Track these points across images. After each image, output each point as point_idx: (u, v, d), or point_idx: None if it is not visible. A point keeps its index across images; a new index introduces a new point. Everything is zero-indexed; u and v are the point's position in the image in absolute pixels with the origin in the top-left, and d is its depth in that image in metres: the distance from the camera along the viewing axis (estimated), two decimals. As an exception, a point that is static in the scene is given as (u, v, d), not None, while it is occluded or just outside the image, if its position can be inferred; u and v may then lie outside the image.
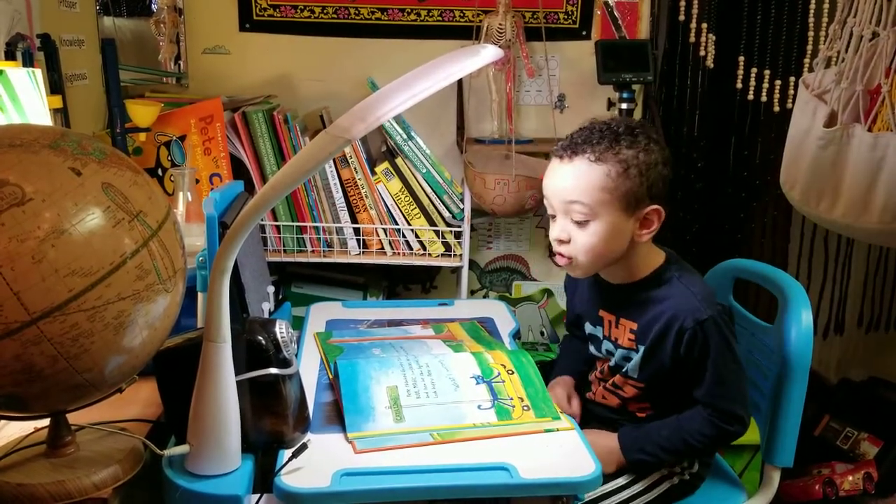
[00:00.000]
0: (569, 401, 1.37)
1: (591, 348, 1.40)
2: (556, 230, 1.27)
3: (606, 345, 1.35)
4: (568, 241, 1.26)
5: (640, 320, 1.28)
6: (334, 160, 1.97)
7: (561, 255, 1.28)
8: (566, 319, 1.55)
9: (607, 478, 1.28)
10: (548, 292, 2.39)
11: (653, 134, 1.27)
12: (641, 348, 1.28)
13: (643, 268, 1.30)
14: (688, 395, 1.27)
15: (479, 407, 1.11)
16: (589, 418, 1.40)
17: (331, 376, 1.22)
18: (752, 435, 1.95)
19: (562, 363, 1.49)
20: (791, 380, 1.31)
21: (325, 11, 2.17)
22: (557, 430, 1.08)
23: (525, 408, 1.11)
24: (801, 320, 1.31)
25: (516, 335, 1.45)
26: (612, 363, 1.34)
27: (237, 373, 0.94)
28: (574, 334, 1.52)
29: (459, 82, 2.15)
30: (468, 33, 2.16)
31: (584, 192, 1.22)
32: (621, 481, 1.29)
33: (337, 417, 1.10)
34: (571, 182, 1.24)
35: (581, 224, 1.24)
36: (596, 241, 1.24)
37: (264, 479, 1.00)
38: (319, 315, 1.53)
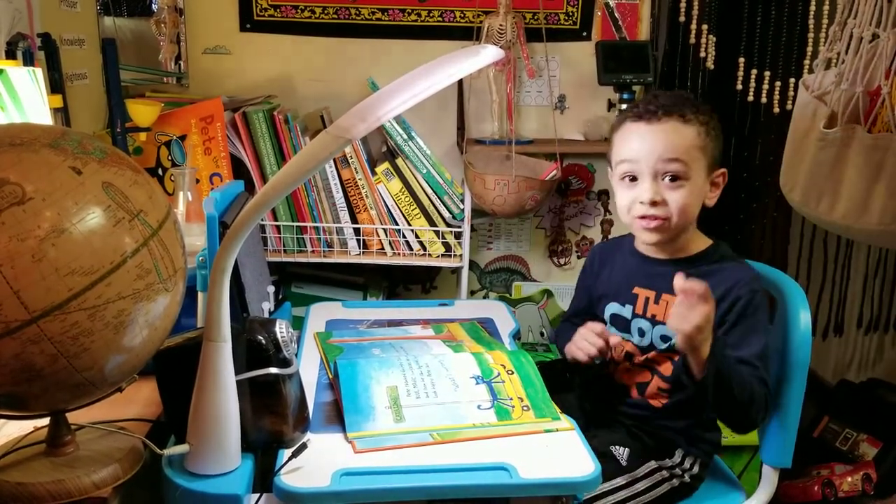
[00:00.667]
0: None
1: (612, 329, 1.40)
2: (648, 192, 1.28)
3: (638, 323, 1.35)
4: (663, 203, 1.28)
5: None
6: (335, 160, 1.97)
7: (654, 216, 1.29)
8: (571, 308, 1.55)
9: (605, 477, 1.28)
10: (548, 293, 2.39)
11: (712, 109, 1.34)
12: None
13: (693, 245, 1.35)
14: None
15: (478, 407, 1.11)
16: (594, 415, 1.40)
17: (331, 376, 1.22)
18: (750, 436, 1.95)
19: (565, 337, 1.45)
20: (789, 381, 1.31)
21: (325, 12, 2.17)
22: (557, 430, 1.08)
23: (525, 408, 1.11)
24: (800, 321, 1.31)
25: (516, 336, 1.45)
26: (643, 344, 1.34)
27: (237, 372, 0.94)
28: (573, 323, 1.51)
29: (460, 83, 2.15)
30: (469, 34, 2.17)
31: (682, 151, 1.27)
32: (620, 482, 1.28)
33: (337, 417, 1.10)
34: (668, 141, 1.27)
35: (675, 184, 1.27)
36: (689, 201, 1.28)
37: (264, 478, 1.00)
38: (319, 315, 1.53)
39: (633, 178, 1.30)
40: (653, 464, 1.32)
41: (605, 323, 1.41)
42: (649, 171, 1.28)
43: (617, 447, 1.31)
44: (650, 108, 1.29)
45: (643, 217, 1.29)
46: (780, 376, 1.32)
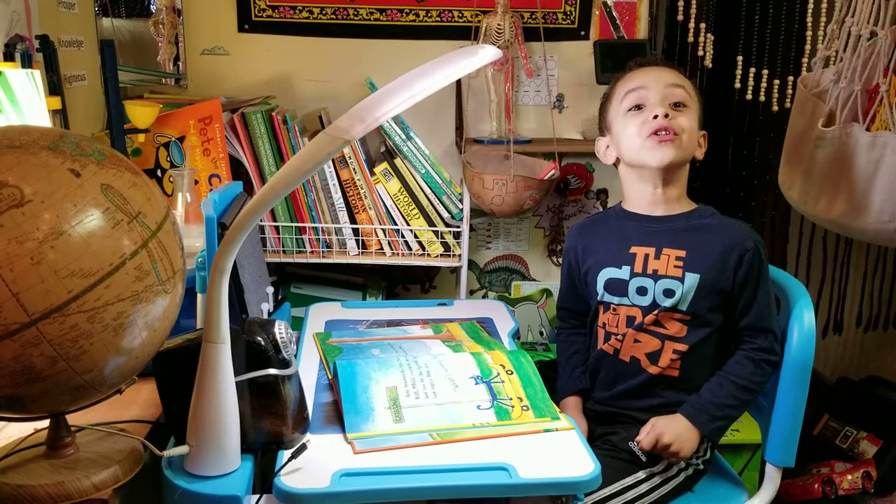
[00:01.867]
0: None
1: (608, 299, 1.41)
2: (660, 107, 1.37)
3: (638, 282, 1.37)
4: (671, 118, 1.37)
5: (689, 247, 1.35)
6: (333, 161, 1.97)
7: (667, 129, 1.36)
8: (560, 295, 1.57)
9: (625, 473, 1.31)
10: (547, 292, 2.39)
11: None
12: (691, 275, 1.33)
13: (685, 203, 1.42)
14: (725, 333, 1.37)
15: (478, 407, 1.11)
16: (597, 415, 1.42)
17: (330, 377, 1.23)
18: (751, 434, 1.97)
19: (564, 377, 1.49)
20: (793, 380, 1.31)
21: (323, 12, 2.17)
22: (556, 429, 1.08)
23: (524, 408, 1.12)
24: (804, 321, 1.31)
25: (515, 335, 1.45)
26: (645, 303, 1.36)
27: (236, 373, 0.94)
28: (566, 318, 1.53)
29: (458, 83, 2.15)
30: (467, 34, 2.17)
31: (685, 82, 1.42)
32: (641, 475, 1.31)
33: (336, 418, 1.10)
34: (672, 72, 1.43)
35: (679, 109, 1.38)
36: (692, 127, 1.39)
37: (264, 479, 1.00)
38: (318, 315, 1.53)
39: (639, 107, 1.40)
40: None
41: (598, 294, 1.43)
42: (657, 94, 1.38)
43: (634, 443, 1.32)
44: (647, 59, 1.47)
45: (656, 133, 1.37)
46: (784, 377, 1.32)
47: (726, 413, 1.32)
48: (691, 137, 1.38)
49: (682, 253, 1.35)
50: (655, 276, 1.35)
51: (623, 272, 1.39)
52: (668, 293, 1.34)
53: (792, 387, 1.32)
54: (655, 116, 1.36)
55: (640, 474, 1.31)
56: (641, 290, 1.37)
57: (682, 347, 1.35)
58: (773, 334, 1.33)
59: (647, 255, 1.37)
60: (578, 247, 1.50)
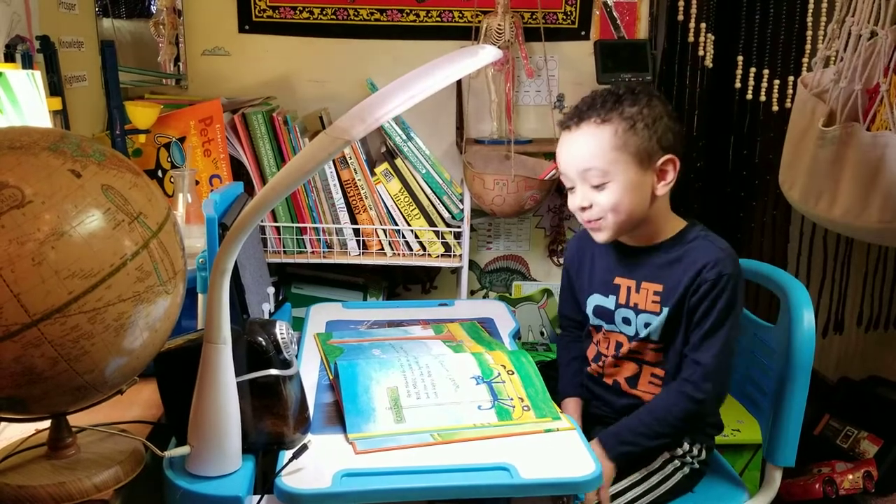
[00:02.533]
0: None
1: (598, 322, 1.41)
2: (576, 199, 1.31)
3: (622, 313, 1.36)
4: (590, 207, 1.30)
5: (665, 281, 1.31)
6: (334, 161, 1.97)
7: (588, 220, 1.31)
8: (560, 306, 1.56)
9: (624, 474, 1.31)
10: (547, 292, 2.39)
11: (655, 92, 1.32)
12: (666, 310, 1.30)
13: (666, 230, 1.34)
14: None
15: (479, 407, 1.11)
16: (591, 418, 1.42)
17: (331, 377, 1.23)
18: (752, 434, 1.97)
19: (565, 379, 1.49)
20: (793, 380, 1.31)
21: (324, 12, 2.17)
22: (557, 430, 1.08)
23: (525, 408, 1.11)
24: (804, 320, 1.31)
25: (516, 335, 1.45)
26: (630, 333, 1.36)
27: (237, 374, 0.94)
28: (567, 326, 1.53)
29: (458, 83, 2.15)
30: (467, 34, 2.17)
31: (596, 156, 1.27)
32: (637, 476, 1.31)
33: (337, 418, 1.10)
34: (582, 148, 1.29)
35: (599, 187, 1.28)
36: (617, 199, 1.28)
37: (265, 480, 1.00)
38: (319, 316, 1.53)
39: (571, 187, 1.33)
40: (666, 455, 1.34)
41: (588, 317, 1.43)
42: (576, 178, 1.30)
43: None
44: (570, 115, 1.32)
45: (585, 221, 1.33)
46: (784, 376, 1.32)
47: (636, 440, 1.29)
48: (620, 208, 1.28)
49: (660, 287, 1.32)
50: (637, 310, 1.35)
51: (609, 301, 1.39)
52: (647, 325, 1.33)
53: (792, 386, 1.32)
54: (572, 208, 1.33)
55: (636, 475, 1.31)
56: (626, 321, 1.36)
57: (660, 372, 1.35)
58: (704, 369, 1.26)
59: (629, 288, 1.36)
60: (575, 262, 1.48)
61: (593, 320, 1.42)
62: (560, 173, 1.35)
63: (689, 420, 1.29)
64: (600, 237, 1.34)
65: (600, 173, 1.27)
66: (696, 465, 1.35)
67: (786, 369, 1.32)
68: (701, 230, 1.34)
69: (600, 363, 1.41)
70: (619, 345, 1.38)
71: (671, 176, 1.29)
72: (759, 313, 1.46)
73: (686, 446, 1.35)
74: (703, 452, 1.36)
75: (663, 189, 1.30)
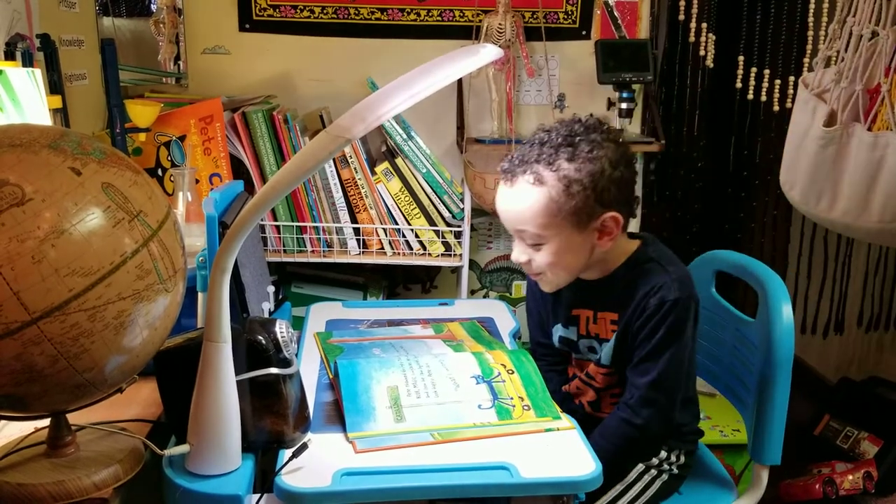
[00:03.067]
0: None
1: (565, 349, 1.40)
2: (515, 252, 1.29)
3: (585, 343, 1.35)
4: (529, 262, 1.27)
5: (619, 309, 1.28)
6: (334, 160, 1.97)
7: (531, 273, 1.30)
8: (531, 334, 1.52)
9: (602, 490, 1.29)
10: (548, 292, 2.38)
11: (597, 136, 1.21)
12: (614, 336, 1.29)
13: (617, 260, 1.30)
14: None
15: (479, 406, 1.11)
16: None
17: (331, 376, 1.22)
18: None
19: None
20: (775, 375, 1.29)
21: (324, 11, 2.17)
22: (558, 429, 1.08)
23: (525, 407, 1.11)
24: (782, 314, 1.28)
25: (517, 335, 1.45)
26: (596, 360, 1.34)
27: (237, 372, 0.94)
28: (543, 355, 1.47)
29: (459, 82, 2.15)
30: (468, 33, 2.17)
31: (528, 220, 1.21)
32: (613, 493, 1.30)
33: (337, 417, 1.09)
34: (516, 208, 1.23)
35: (534, 246, 1.25)
36: (554, 260, 1.24)
37: (264, 478, 1.00)
38: (319, 315, 1.53)
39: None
40: (641, 466, 1.33)
41: (555, 345, 1.42)
42: (512, 233, 1.27)
43: None
44: (505, 168, 1.25)
45: (527, 272, 1.31)
46: (765, 371, 1.30)
47: None
48: (558, 266, 1.24)
49: (615, 316, 1.29)
50: (598, 339, 1.33)
51: (571, 332, 1.37)
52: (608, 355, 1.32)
53: (774, 382, 1.29)
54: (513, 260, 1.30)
55: (613, 492, 1.30)
56: (591, 349, 1.35)
57: (618, 391, 1.33)
58: (641, 394, 1.23)
59: (588, 318, 1.34)
60: (537, 295, 1.43)
61: (561, 348, 1.41)
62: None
63: (631, 444, 1.25)
64: (545, 288, 1.32)
65: (534, 236, 1.23)
66: (676, 471, 1.34)
67: (766, 365, 1.29)
68: (653, 251, 1.28)
69: (571, 385, 1.40)
70: (585, 371, 1.37)
71: (615, 232, 1.23)
72: (745, 309, 1.44)
73: (663, 454, 1.33)
74: (683, 457, 1.35)
75: (606, 244, 1.24)
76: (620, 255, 1.29)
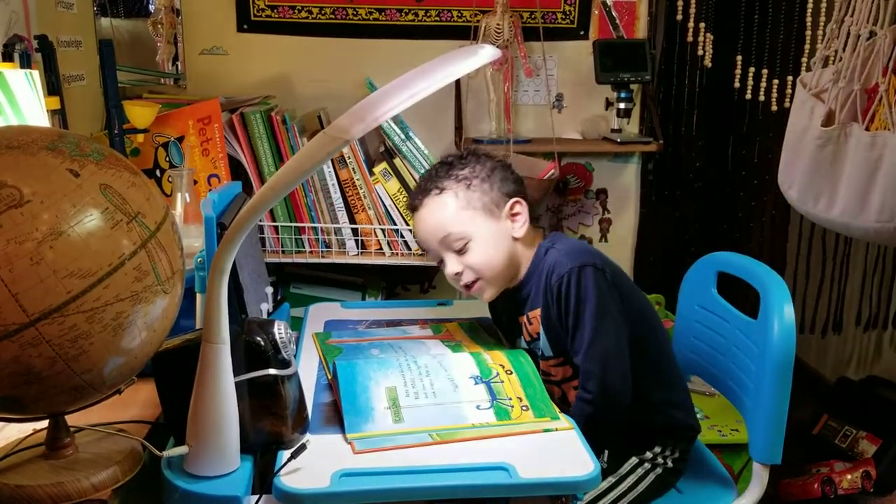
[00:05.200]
0: None
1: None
2: (448, 268, 1.34)
3: (535, 345, 1.37)
4: (463, 271, 1.33)
5: (540, 304, 1.32)
6: (332, 161, 1.97)
7: (468, 286, 1.34)
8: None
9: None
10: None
11: (480, 152, 1.40)
12: (542, 327, 1.32)
13: (528, 259, 1.37)
14: None
15: (477, 407, 1.11)
16: None
17: (329, 377, 1.22)
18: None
19: None
20: (775, 375, 1.28)
21: (322, 12, 2.17)
22: (556, 429, 1.08)
23: (524, 408, 1.11)
24: (784, 314, 1.28)
25: (515, 335, 1.45)
26: (540, 354, 1.36)
27: (236, 374, 0.94)
28: None
29: (457, 82, 2.15)
30: (466, 33, 2.17)
31: (448, 222, 1.32)
32: (605, 485, 1.29)
33: (336, 418, 1.10)
34: (433, 220, 1.34)
35: (463, 251, 1.32)
36: (484, 254, 1.32)
37: (263, 479, 1.00)
38: (318, 316, 1.53)
39: (440, 259, 1.36)
40: (634, 460, 1.33)
41: None
42: (441, 250, 1.34)
43: None
44: (413, 195, 1.38)
45: (464, 286, 1.36)
46: (766, 372, 1.29)
47: None
48: (488, 264, 1.32)
49: (539, 311, 1.33)
50: (540, 337, 1.35)
51: (522, 342, 1.40)
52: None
53: (774, 382, 1.28)
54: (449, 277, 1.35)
55: (605, 484, 1.29)
56: (542, 353, 1.37)
57: (576, 383, 1.33)
58: (583, 370, 1.26)
59: (524, 323, 1.37)
60: (495, 316, 1.51)
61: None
62: (425, 251, 1.39)
63: (591, 422, 1.24)
64: (485, 297, 1.37)
65: (459, 235, 1.31)
66: (671, 465, 1.34)
67: (767, 364, 1.29)
68: (549, 241, 1.36)
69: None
70: (544, 371, 1.37)
71: (523, 215, 1.34)
72: (746, 310, 1.44)
73: (657, 448, 1.33)
74: (678, 452, 1.35)
75: (521, 230, 1.34)
76: (529, 255, 1.36)
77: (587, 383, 1.26)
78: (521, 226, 1.34)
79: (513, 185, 1.36)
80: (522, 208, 1.35)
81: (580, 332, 1.26)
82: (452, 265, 1.33)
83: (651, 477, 1.32)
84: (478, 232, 1.32)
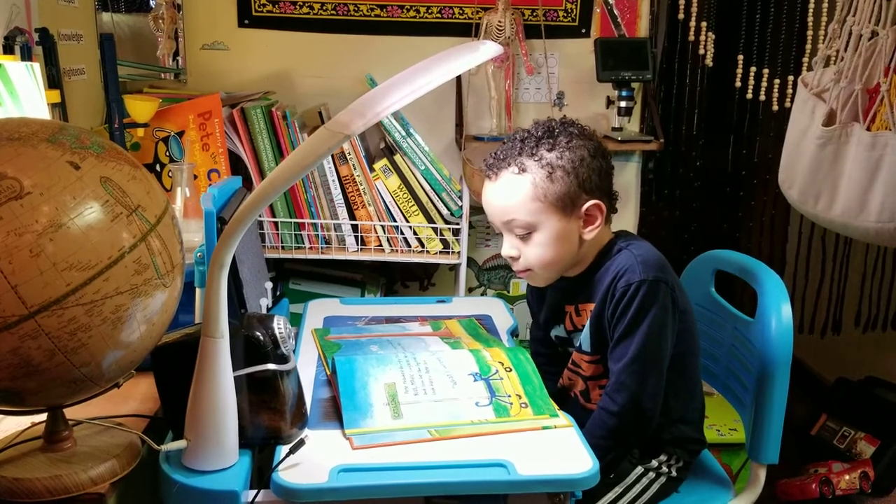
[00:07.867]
0: None
1: (562, 346, 1.41)
2: (505, 247, 1.31)
3: (576, 336, 1.35)
4: (518, 257, 1.29)
5: (595, 298, 1.30)
6: (333, 157, 1.97)
7: (518, 270, 1.32)
8: (531, 332, 1.54)
9: (601, 493, 1.28)
10: (546, 290, 2.38)
11: (575, 129, 1.28)
12: (588, 322, 1.30)
13: (593, 253, 1.32)
14: None
15: (476, 404, 1.11)
16: None
17: (328, 373, 1.22)
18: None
19: None
20: (773, 375, 1.29)
21: (323, 8, 2.17)
22: (555, 427, 1.08)
23: (523, 405, 1.11)
24: (781, 313, 1.28)
25: (514, 333, 1.45)
26: (578, 346, 1.35)
27: (235, 368, 0.94)
28: (538, 352, 1.48)
29: (458, 79, 2.15)
30: (467, 30, 2.16)
31: (516, 208, 1.25)
32: (612, 496, 1.29)
33: (334, 414, 1.10)
34: (502, 200, 1.27)
35: (525, 238, 1.27)
36: (544, 250, 1.27)
37: (261, 474, 1.00)
38: (317, 312, 1.53)
39: (499, 232, 1.32)
40: (640, 469, 1.32)
41: (556, 344, 1.43)
42: (501, 227, 1.30)
43: None
44: (489, 163, 1.29)
45: (517, 271, 1.33)
46: (763, 371, 1.30)
47: None
48: (545, 258, 1.27)
49: (592, 305, 1.30)
50: (584, 331, 1.34)
51: (561, 330, 1.38)
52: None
53: (772, 382, 1.29)
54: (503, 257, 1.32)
55: (612, 494, 1.29)
56: (584, 344, 1.36)
57: (604, 382, 1.32)
58: (616, 379, 1.23)
59: (570, 313, 1.35)
60: (535, 296, 1.47)
61: (560, 348, 1.42)
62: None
63: (612, 434, 1.24)
64: (536, 283, 1.35)
65: (523, 224, 1.26)
66: (675, 474, 1.33)
67: (765, 364, 1.29)
68: (624, 241, 1.30)
69: (563, 377, 1.40)
70: (574, 362, 1.37)
71: (599, 220, 1.27)
72: (744, 309, 1.44)
73: (663, 457, 1.33)
74: (682, 462, 1.34)
75: (590, 234, 1.27)
76: (595, 248, 1.32)
77: (617, 395, 1.23)
78: (592, 229, 1.27)
79: (599, 180, 1.26)
80: (600, 213, 1.26)
81: (628, 342, 1.22)
82: (509, 247, 1.30)
83: (655, 486, 1.32)
84: (544, 226, 1.25)
